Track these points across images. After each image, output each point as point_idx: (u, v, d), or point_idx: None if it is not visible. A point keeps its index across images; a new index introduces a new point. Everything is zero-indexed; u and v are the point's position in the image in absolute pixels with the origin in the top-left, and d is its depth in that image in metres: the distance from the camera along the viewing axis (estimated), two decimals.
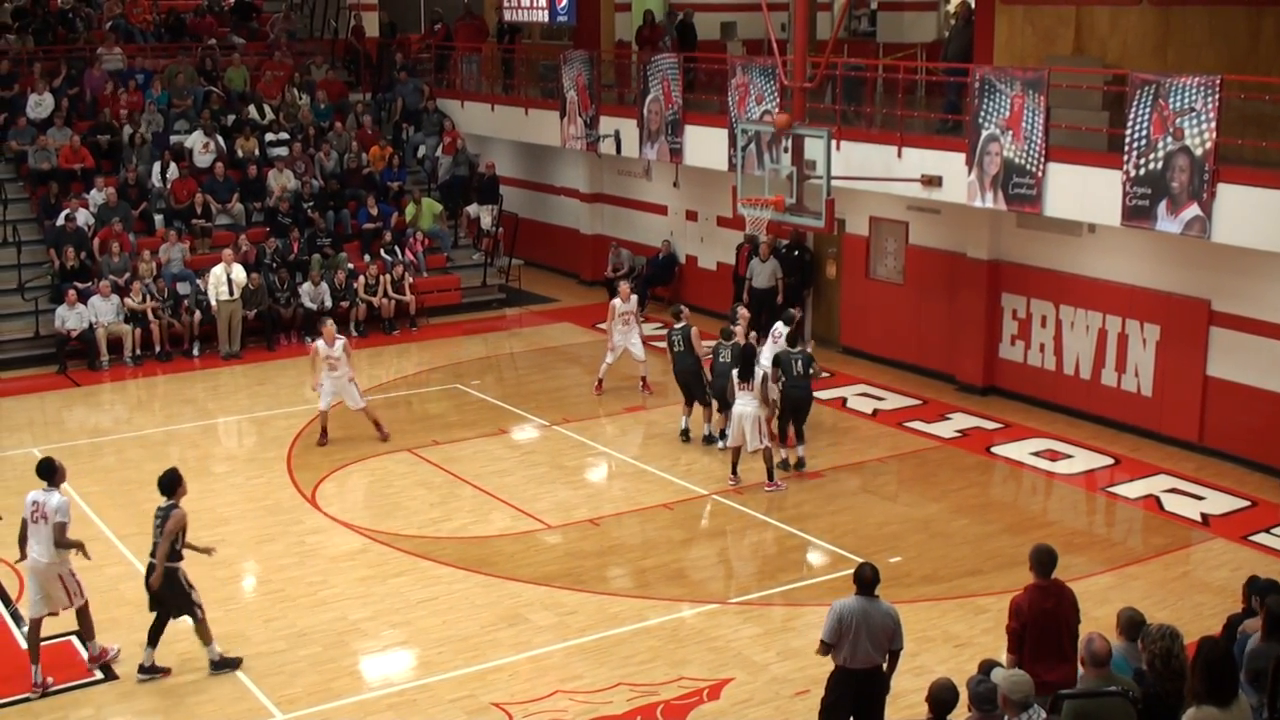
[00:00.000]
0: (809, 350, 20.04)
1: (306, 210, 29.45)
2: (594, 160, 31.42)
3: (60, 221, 27.32)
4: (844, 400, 23.18)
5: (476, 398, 23.73)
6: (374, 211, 29.81)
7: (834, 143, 21.33)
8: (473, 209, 31.84)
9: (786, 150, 21.60)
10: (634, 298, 24.20)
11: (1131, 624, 10.87)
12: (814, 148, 21.19)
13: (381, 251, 29.04)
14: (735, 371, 19.03)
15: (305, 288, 27.49)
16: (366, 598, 15.89)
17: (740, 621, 15.20)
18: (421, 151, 33.14)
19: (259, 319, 26.87)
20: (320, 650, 14.65)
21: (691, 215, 29.68)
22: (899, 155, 21.81)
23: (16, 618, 15.70)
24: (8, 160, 29.67)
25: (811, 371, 19.66)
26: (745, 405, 18.81)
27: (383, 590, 16.09)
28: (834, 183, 21.06)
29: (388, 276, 28.17)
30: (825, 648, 11.46)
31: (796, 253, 26.36)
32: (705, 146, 25.84)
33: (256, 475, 20.17)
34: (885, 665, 11.55)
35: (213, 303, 26.41)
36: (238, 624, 15.33)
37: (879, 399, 23.30)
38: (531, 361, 26.07)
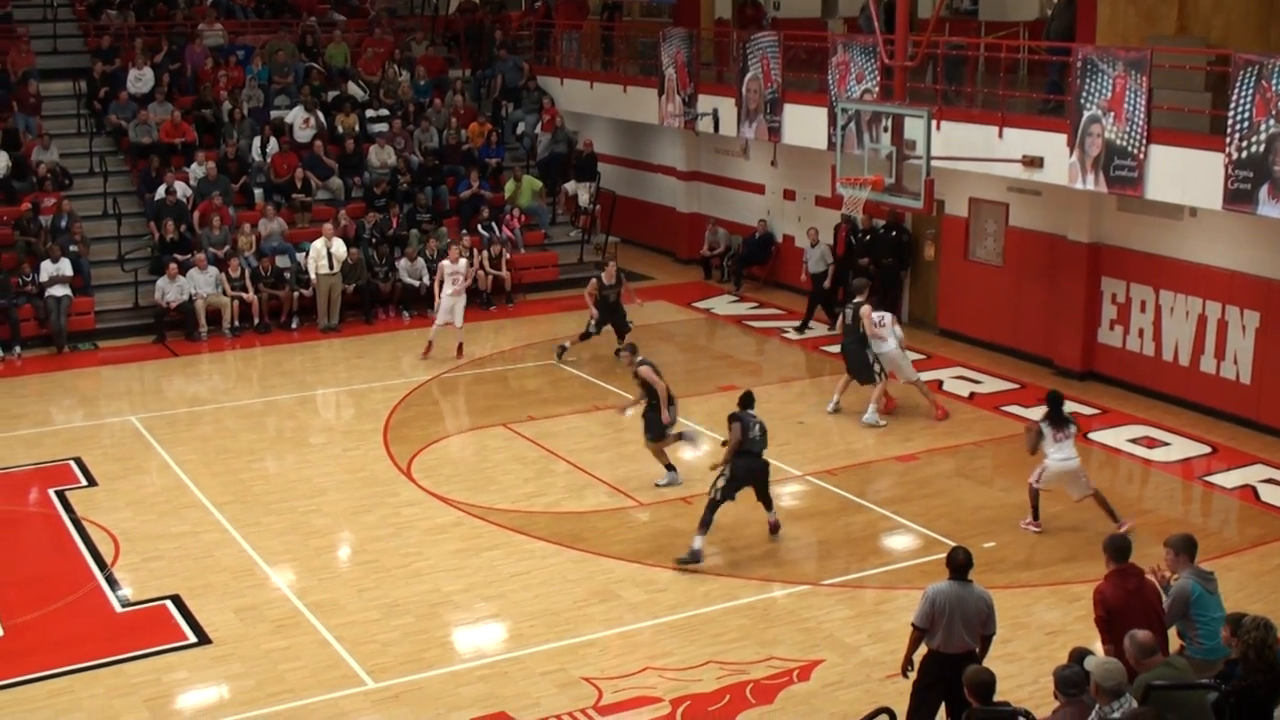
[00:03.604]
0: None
1: (404, 185, 29.67)
2: (692, 138, 31.38)
3: (160, 195, 27.72)
4: (941, 383, 23.03)
5: (571, 374, 23.83)
6: (475, 185, 29.96)
7: (934, 122, 21.16)
8: (571, 186, 31.93)
9: (886, 130, 21.48)
10: (462, 261, 24.89)
11: (1189, 545, 11.23)
12: (914, 127, 21.06)
13: (479, 227, 29.20)
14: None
15: (403, 263, 27.70)
16: (459, 570, 16.03)
17: (832, 603, 15.18)
18: (521, 128, 33.26)
19: (357, 293, 27.13)
20: (413, 621, 14.79)
21: (789, 194, 29.58)
22: (1000, 135, 21.59)
23: (112, 582, 15.99)
24: (109, 134, 30.13)
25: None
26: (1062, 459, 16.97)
27: (476, 563, 16.23)
28: (934, 163, 20.91)
29: (485, 252, 28.32)
30: (918, 632, 11.43)
31: (894, 233, 26.22)
32: (804, 125, 25.71)
33: (353, 447, 20.38)
34: (978, 650, 11.50)
35: (312, 276, 26.69)
36: (332, 593, 15.54)
37: (976, 382, 23.14)
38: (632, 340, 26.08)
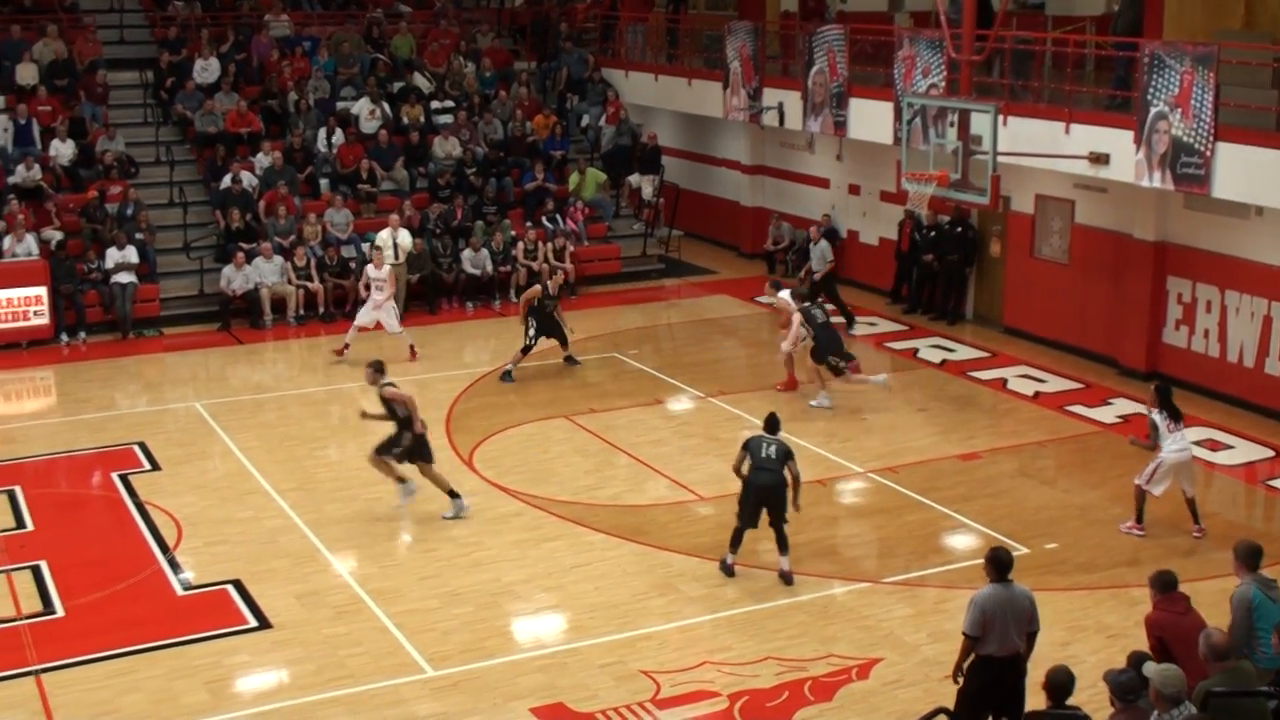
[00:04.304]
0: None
1: (469, 177, 29.76)
2: (756, 132, 31.33)
3: (226, 184, 27.93)
4: (1005, 381, 22.91)
5: (633, 367, 23.84)
6: (540, 178, 30.01)
7: (1000, 118, 21.01)
8: (634, 179, 31.92)
9: (953, 125, 21.35)
10: (386, 266, 24.61)
11: (1251, 553, 11.10)
12: (980, 122, 20.90)
13: (543, 220, 29.25)
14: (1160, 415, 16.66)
15: (467, 254, 27.78)
16: (520, 560, 16.08)
17: (892, 601, 15.12)
18: (585, 121, 33.29)
19: (421, 283, 27.23)
20: (473, 610, 14.85)
21: (854, 189, 29.48)
22: (1066, 131, 21.41)
23: (174, 565, 16.16)
24: (175, 124, 30.37)
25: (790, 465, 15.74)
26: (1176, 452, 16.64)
27: (536, 554, 16.28)
28: (1000, 159, 20.76)
29: (549, 245, 28.36)
30: (970, 641, 11.32)
31: (960, 230, 26.08)
32: (870, 120, 25.62)
33: None
34: (1024, 648, 11.43)
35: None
36: (393, 580, 15.63)
37: (1040, 381, 22.97)
38: (689, 333, 26.12)
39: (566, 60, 34.21)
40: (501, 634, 14.48)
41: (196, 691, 13.35)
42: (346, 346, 24.09)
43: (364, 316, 24.33)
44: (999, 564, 11.38)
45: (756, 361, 24.32)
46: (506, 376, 22.90)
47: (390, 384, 17.43)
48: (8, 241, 25.75)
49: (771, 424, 15.79)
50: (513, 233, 28.48)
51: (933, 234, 26.43)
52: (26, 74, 29.76)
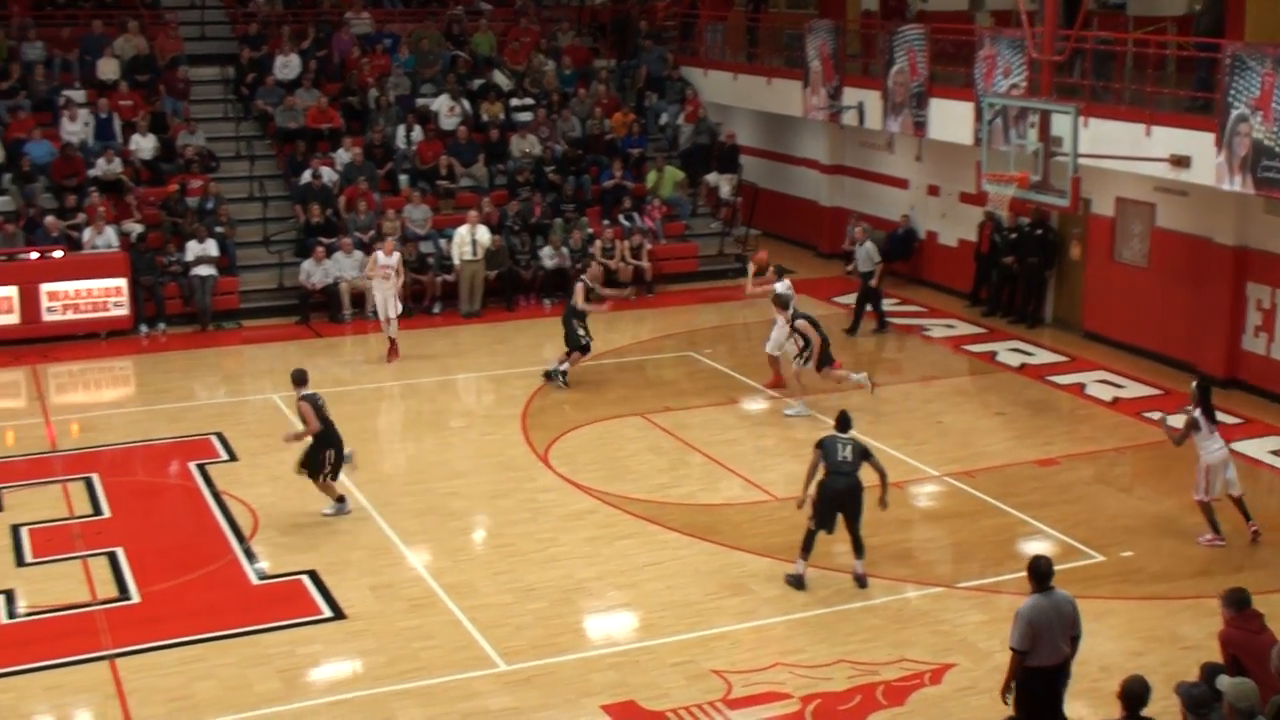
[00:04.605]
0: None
1: (548, 174, 29.83)
2: (835, 131, 31.22)
3: (306, 179, 28.16)
4: (1083, 386, 22.71)
5: (709, 366, 23.82)
6: (618, 176, 30.05)
7: (1081, 119, 20.81)
8: (712, 178, 31.88)
9: (1033, 126, 21.18)
10: (396, 254, 24.35)
11: None
12: (1061, 124, 20.71)
13: (620, 217, 29.29)
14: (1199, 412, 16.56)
15: (545, 250, 27.86)
16: (593, 557, 16.12)
17: (966, 606, 15.01)
18: (664, 119, 33.28)
19: (500, 280, 27.33)
20: (546, 606, 14.90)
21: (933, 190, 29.32)
22: (1147, 133, 21.16)
23: (250, 555, 16.34)
24: (255, 119, 30.65)
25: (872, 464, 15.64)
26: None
27: (610, 551, 16.31)
28: (1080, 161, 20.56)
29: (626, 242, 28.39)
30: (1019, 656, 11.19)
31: (1040, 232, 25.88)
32: (950, 120, 25.45)
33: (491, 431, 20.56)
34: (1070, 653, 11.35)
35: (456, 262, 26.93)
36: (467, 574, 15.72)
37: (1119, 387, 22.74)
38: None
39: (646, 58, 34.22)
40: (574, 630, 14.52)
41: (269, 680, 13.48)
42: (394, 344, 24.16)
43: (382, 309, 24.17)
44: (1041, 573, 11.26)
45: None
46: (556, 376, 22.58)
47: (307, 398, 17.14)
48: (88, 233, 26.10)
49: (844, 422, 15.67)
50: (590, 230, 28.53)
51: (1013, 236, 26.24)
52: (108, 69, 30.16)
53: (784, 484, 18.25)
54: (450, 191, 29.20)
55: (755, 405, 21.94)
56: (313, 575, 15.68)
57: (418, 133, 29.98)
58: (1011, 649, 11.26)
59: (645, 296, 28.30)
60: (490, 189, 29.57)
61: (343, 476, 17.64)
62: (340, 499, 17.43)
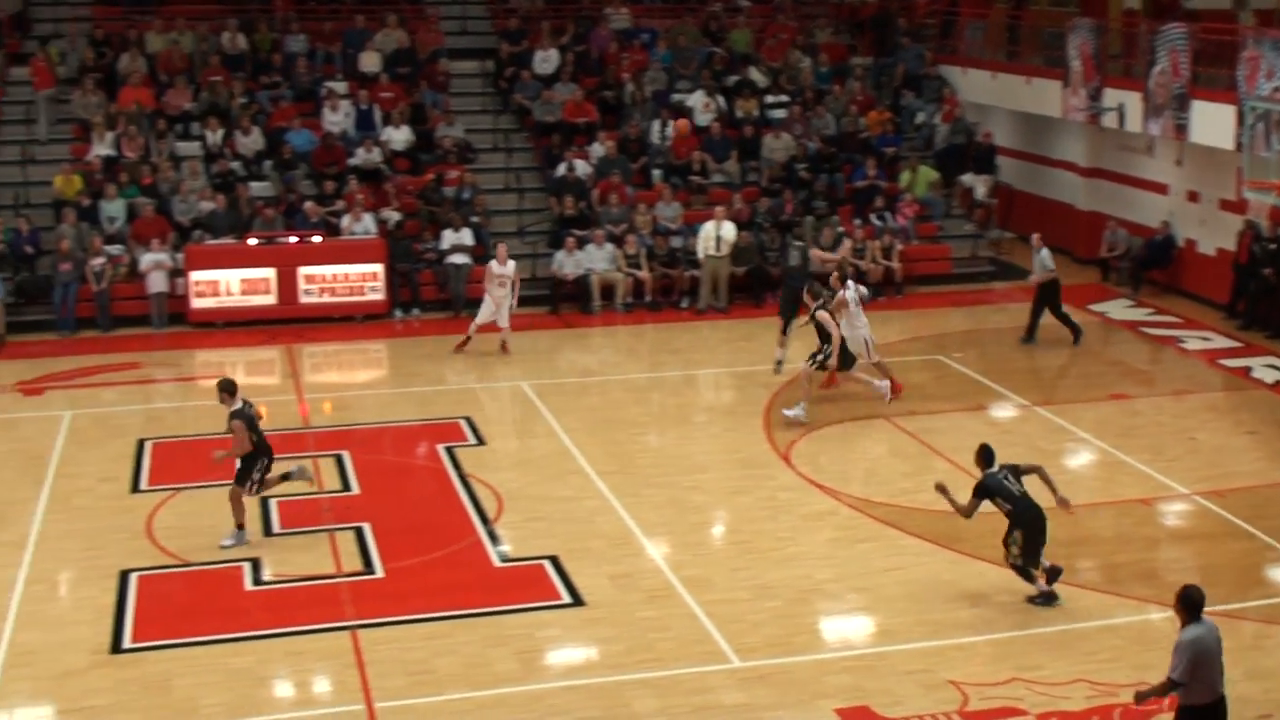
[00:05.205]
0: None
1: (800, 172, 29.74)
2: (1094, 133, 30.48)
3: (561, 172, 28.57)
4: None
5: (957, 371, 23.47)
6: (872, 175, 29.81)
7: None
8: (967, 178, 31.44)
9: None
10: (511, 263, 23.97)
11: None
12: None
13: (872, 216, 29.06)
14: None
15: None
16: (832, 559, 16.01)
17: None
18: (920, 118, 32.90)
19: (748, 276, 27.34)
20: (782, 605, 14.84)
21: (1193, 196, 28.40)
22: None
23: (493, 537, 16.64)
24: (513, 112, 31.20)
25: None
26: None
27: (848, 554, 16.18)
28: None
29: (877, 242, 28.16)
30: (1175, 687, 10.66)
31: None
32: (1212, 123, 24.54)
33: (733, 428, 20.58)
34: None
35: (700, 258, 27.03)
36: (705, 569, 15.75)
37: None
38: (1016, 339, 25.52)
39: (904, 56, 33.89)
40: (810, 631, 14.46)
41: (508, 661, 13.70)
42: (468, 339, 24.30)
43: (484, 314, 24.16)
44: (1195, 603, 10.70)
45: (1084, 372, 23.69)
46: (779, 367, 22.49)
47: (237, 415, 16.26)
48: (346, 220, 26.93)
49: (989, 456, 15.06)
50: (841, 229, 28.36)
51: (1272, 246, 25.27)
52: (369, 62, 31.09)
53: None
54: (702, 187, 29.30)
55: (1003, 412, 21.54)
56: (553, 560, 15.89)
57: (672, 128, 30.15)
58: (1171, 681, 10.69)
59: (894, 298, 28.00)
60: (742, 186, 29.60)
61: (283, 486, 17.14)
62: (240, 527, 16.36)
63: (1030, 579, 14.90)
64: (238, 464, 16.42)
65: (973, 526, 16.82)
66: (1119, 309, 27.69)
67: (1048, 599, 14.87)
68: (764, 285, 27.51)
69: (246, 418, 16.26)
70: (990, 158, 31.65)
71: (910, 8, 36.18)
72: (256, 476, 16.44)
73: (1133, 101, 26.91)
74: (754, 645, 13.96)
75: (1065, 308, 24.83)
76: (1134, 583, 15.56)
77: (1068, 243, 31.86)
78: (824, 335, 20.53)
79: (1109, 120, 27.74)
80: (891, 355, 24.28)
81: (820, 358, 20.50)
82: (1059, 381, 23.12)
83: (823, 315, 20.46)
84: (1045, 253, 24.85)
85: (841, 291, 21.19)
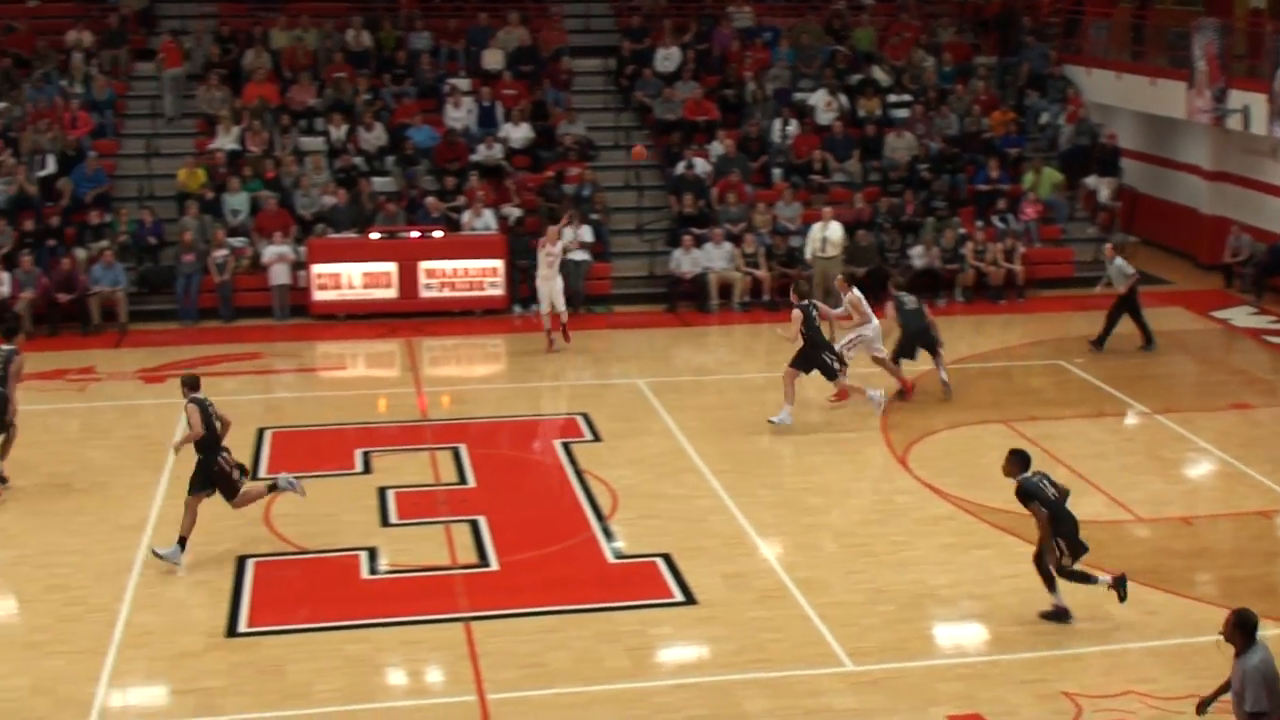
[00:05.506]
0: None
1: (922, 172, 29.55)
2: (1219, 136, 29.93)
3: (680, 170, 28.61)
4: None
5: (1078, 376, 23.17)
6: (994, 176, 29.55)
7: None
8: (1091, 180, 31.02)
9: None
10: (561, 242, 23.85)
11: None
12: None
13: (994, 218, 28.80)
14: None
15: (916, 249, 27.60)
16: (948, 565, 15.89)
17: None
18: (1044, 118, 32.53)
19: (869, 277, 27.14)
20: (896, 609, 14.75)
21: None
22: None
23: (607, 533, 16.75)
24: (634, 110, 31.30)
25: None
26: None
27: (965, 560, 16.05)
28: None
29: (999, 244, 27.90)
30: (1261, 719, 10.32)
31: None
32: None
33: (850, 430, 20.49)
34: None
35: (808, 258, 26.97)
36: (818, 571, 15.72)
37: None
38: (1138, 344, 25.16)
39: (1028, 55, 33.55)
40: (923, 636, 14.39)
41: (619, 657, 13.78)
42: (564, 335, 24.31)
43: (544, 305, 24.25)
44: (1252, 626, 10.49)
45: (1208, 380, 23.37)
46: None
47: (195, 399, 15.88)
48: (467, 216, 27.19)
49: (1025, 459, 14.55)
50: (962, 230, 28.13)
51: None
52: (492, 59, 31.33)
53: (1148, 504, 17.70)
54: (823, 187, 29.19)
55: (1125, 420, 21.27)
56: (666, 558, 15.92)
57: (793, 127, 30.10)
58: (1258, 713, 10.35)
59: (1016, 301, 27.72)
60: (863, 185, 29.46)
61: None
62: (182, 541, 15.77)
63: (1089, 580, 14.48)
64: (197, 467, 15.92)
65: (1090, 536, 16.55)
66: (1241, 316, 27.19)
67: (1060, 615, 14.51)
68: (884, 286, 27.23)
69: (204, 409, 15.82)
70: (1114, 160, 31.22)
71: (1035, 6, 35.79)
72: (208, 486, 15.91)
73: (1258, 104, 26.45)
74: (867, 649, 13.91)
75: (1144, 313, 24.44)
76: (1252, 598, 15.10)
77: (1191, 248, 31.41)
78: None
79: (1233, 122, 27.30)
80: (1012, 359, 24.28)
81: (801, 361, 20.35)
82: (1180, 390, 22.78)
83: (798, 316, 20.15)
84: (1120, 261, 24.46)
85: (851, 292, 21.38)
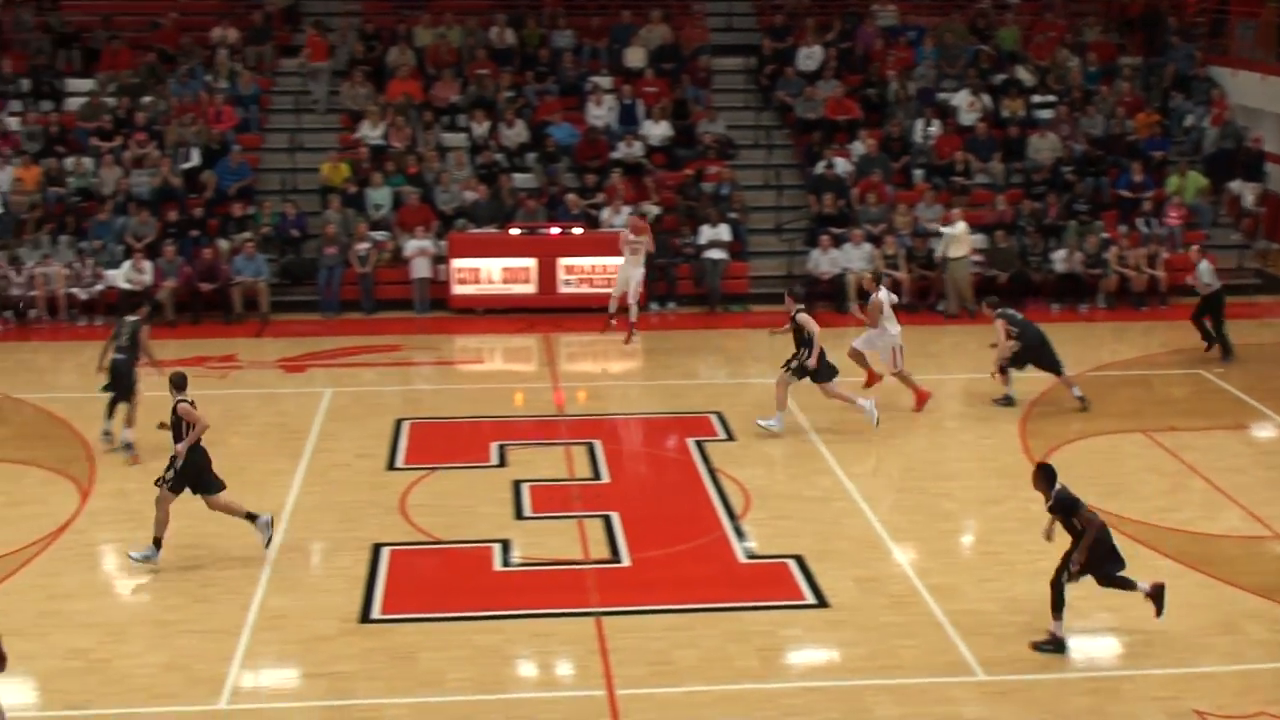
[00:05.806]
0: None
1: (1065, 174, 29.22)
2: None
3: (820, 169, 28.56)
4: None
5: (1219, 386, 22.78)
6: (1138, 179, 29.13)
7: None
8: (1236, 185, 30.44)
9: None
10: (645, 235, 23.52)
11: None
12: None
13: (1138, 222, 28.39)
14: None
15: (1059, 253, 27.29)
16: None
17: None
18: (1189, 121, 31.96)
19: (1010, 281, 26.93)
20: (1030, 620, 14.55)
21: None
22: None
23: (739, 533, 16.79)
24: (775, 109, 31.29)
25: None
26: None
27: None
28: None
29: (1142, 250, 27.49)
30: None
31: None
32: None
33: (987, 436, 20.37)
34: None
35: (936, 259, 26.94)
36: (952, 577, 15.66)
37: None
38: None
39: (1173, 56, 32.99)
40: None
41: (748, 657, 13.83)
42: (633, 331, 24.28)
43: (619, 285, 24.36)
44: None
45: None
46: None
47: (184, 400, 15.78)
48: (606, 213, 27.39)
49: (1053, 472, 14.24)
50: (1105, 234, 27.75)
51: None
52: (634, 57, 31.46)
53: None
54: (964, 188, 28.96)
55: (1266, 433, 20.90)
56: (799, 560, 15.94)
57: (936, 127, 29.91)
58: None
59: (1158, 308, 27.29)
60: (1006, 187, 29.20)
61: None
62: (157, 541, 15.69)
63: (1130, 586, 14.16)
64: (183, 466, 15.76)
65: (1226, 551, 16.39)
66: None
67: (1057, 645, 14.11)
68: (1026, 290, 26.99)
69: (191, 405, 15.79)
70: (1259, 164, 30.58)
71: (1180, 6, 35.16)
72: (169, 475, 15.69)
73: None
74: (999, 659, 13.81)
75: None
76: None
77: None
78: (801, 340, 20.07)
79: None
80: (1152, 368, 23.92)
81: (795, 364, 20.07)
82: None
83: (803, 318, 20.00)
84: (1205, 264, 23.95)
85: (876, 294, 21.09)
